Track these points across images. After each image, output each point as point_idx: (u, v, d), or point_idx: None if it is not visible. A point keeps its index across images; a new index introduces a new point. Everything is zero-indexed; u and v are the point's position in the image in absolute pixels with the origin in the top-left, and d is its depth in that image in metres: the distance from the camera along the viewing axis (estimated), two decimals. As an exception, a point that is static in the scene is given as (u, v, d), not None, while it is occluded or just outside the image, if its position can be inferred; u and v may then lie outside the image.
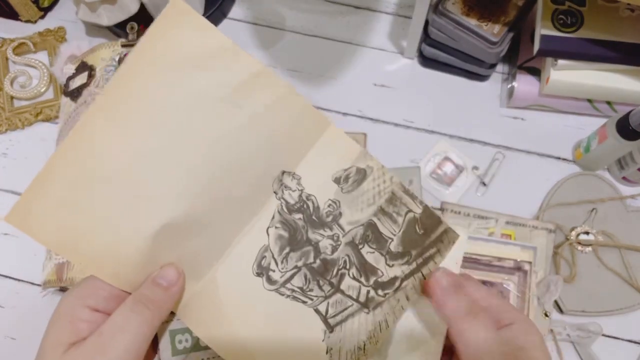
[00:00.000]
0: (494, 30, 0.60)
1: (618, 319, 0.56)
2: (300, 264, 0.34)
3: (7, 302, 0.60)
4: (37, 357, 0.28)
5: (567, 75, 0.59)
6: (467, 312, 0.31)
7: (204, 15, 0.70)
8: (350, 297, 0.34)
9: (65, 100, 0.61)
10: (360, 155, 0.36)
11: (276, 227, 0.34)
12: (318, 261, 0.34)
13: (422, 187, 0.62)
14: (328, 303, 0.34)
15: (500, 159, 0.64)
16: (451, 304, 0.32)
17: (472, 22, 0.60)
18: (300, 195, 0.35)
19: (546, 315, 0.53)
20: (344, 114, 0.67)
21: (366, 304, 0.34)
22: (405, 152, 0.65)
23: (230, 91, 0.33)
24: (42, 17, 0.74)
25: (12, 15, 0.72)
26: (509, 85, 0.65)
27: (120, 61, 0.56)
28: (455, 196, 0.62)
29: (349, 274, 0.35)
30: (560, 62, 0.58)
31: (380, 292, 0.35)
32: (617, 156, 0.59)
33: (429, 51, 0.66)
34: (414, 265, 0.35)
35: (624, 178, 0.61)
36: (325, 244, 0.35)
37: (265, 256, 0.34)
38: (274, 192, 0.35)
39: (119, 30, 0.69)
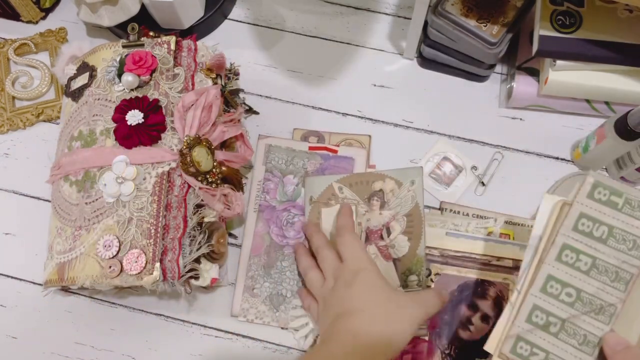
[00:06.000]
0: (492, 31, 0.60)
1: (616, 318, 0.56)
2: None
3: (8, 302, 0.60)
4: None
5: (565, 75, 0.60)
6: None
7: (204, 15, 0.70)
8: None
9: (66, 101, 0.61)
10: None
11: None
12: None
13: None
14: None
15: (499, 159, 0.64)
16: None
17: (471, 23, 0.60)
18: None
19: (545, 314, 0.54)
20: (344, 114, 0.67)
21: None
22: (405, 152, 0.65)
23: None
24: (44, 17, 0.75)
25: (14, 15, 0.73)
26: (508, 86, 0.66)
27: (120, 62, 0.56)
28: (454, 196, 0.63)
29: None
30: (559, 62, 0.59)
31: None
32: (615, 156, 0.60)
33: (428, 52, 0.67)
34: None
35: (622, 178, 0.61)
36: None
37: None
38: None
39: (120, 31, 0.69)
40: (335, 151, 0.63)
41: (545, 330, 0.36)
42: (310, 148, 0.63)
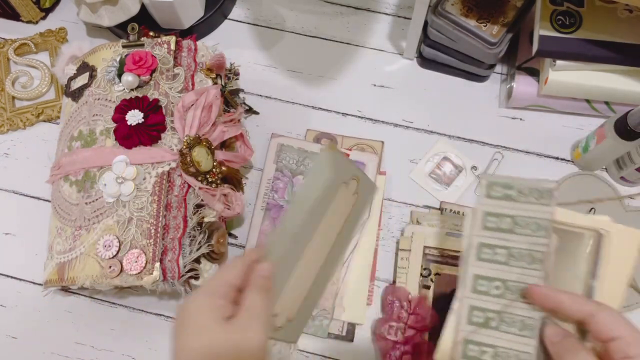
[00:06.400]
0: (492, 31, 0.60)
1: (616, 318, 0.56)
2: None
3: (8, 301, 0.60)
4: (189, 332, 0.34)
5: (565, 75, 0.60)
6: None
7: (204, 15, 0.70)
8: None
9: (66, 101, 0.61)
10: None
11: None
12: None
13: (422, 186, 0.63)
14: None
15: (499, 159, 0.64)
16: None
17: (471, 23, 0.60)
18: None
19: (545, 314, 0.54)
20: (344, 114, 0.67)
21: None
22: (405, 152, 0.65)
23: None
24: (44, 17, 0.75)
25: (14, 16, 0.73)
26: (508, 86, 0.66)
27: (120, 62, 0.56)
28: (454, 196, 0.63)
29: None
30: (559, 62, 0.59)
31: None
32: (615, 156, 0.59)
33: (428, 52, 0.67)
34: None
35: (622, 178, 0.61)
36: None
37: None
38: None
39: (120, 31, 0.69)
40: (347, 155, 0.63)
41: (486, 327, 0.38)
42: None
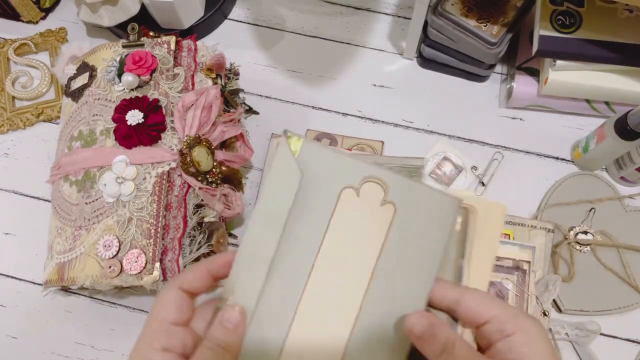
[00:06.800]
0: (492, 31, 0.60)
1: (616, 318, 0.56)
2: None
3: (8, 302, 0.60)
4: None
5: (565, 75, 0.60)
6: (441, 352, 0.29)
7: (204, 15, 0.70)
8: None
9: (66, 101, 0.61)
10: None
11: None
12: None
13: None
14: None
15: (499, 159, 0.64)
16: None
17: (471, 23, 0.60)
18: None
19: (545, 314, 0.54)
20: (344, 114, 0.67)
21: None
22: (405, 152, 0.65)
23: None
24: (44, 17, 0.75)
25: (14, 16, 0.73)
26: (508, 86, 0.66)
27: (120, 62, 0.56)
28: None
29: None
30: (559, 62, 0.59)
31: None
32: (615, 156, 0.59)
33: (428, 52, 0.67)
34: None
35: (622, 178, 0.61)
36: None
37: None
38: None
39: (120, 31, 0.69)
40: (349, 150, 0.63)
41: None
42: None
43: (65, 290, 0.59)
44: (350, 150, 0.63)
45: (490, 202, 0.32)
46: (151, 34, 0.60)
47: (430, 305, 0.31)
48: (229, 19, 0.74)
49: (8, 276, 0.61)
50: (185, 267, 0.51)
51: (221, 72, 0.61)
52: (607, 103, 0.63)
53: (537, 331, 0.29)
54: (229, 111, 0.61)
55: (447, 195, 0.32)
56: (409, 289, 0.31)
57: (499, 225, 0.33)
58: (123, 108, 0.54)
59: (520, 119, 0.67)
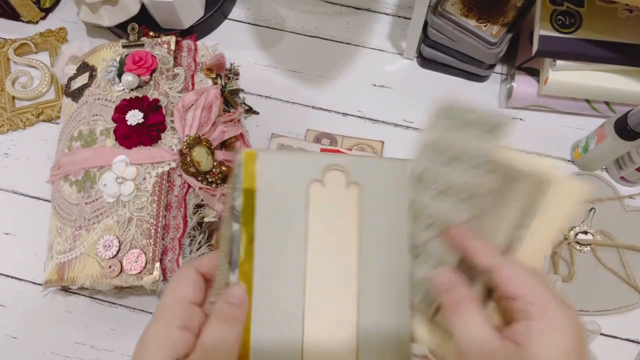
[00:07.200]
0: (492, 31, 0.60)
1: (616, 318, 0.56)
2: None
3: (8, 302, 0.60)
4: None
5: (565, 75, 0.60)
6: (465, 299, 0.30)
7: (204, 15, 0.70)
8: None
9: (66, 101, 0.61)
10: None
11: None
12: None
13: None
14: None
15: (499, 159, 0.64)
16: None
17: (471, 23, 0.60)
18: None
19: (545, 314, 0.54)
20: (344, 114, 0.67)
21: None
22: (405, 152, 0.65)
23: None
24: (44, 17, 0.75)
25: (14, 16, 0.73)
26: (508, 86, 0.66)
27: (120, 62, 0.56)
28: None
29: None
30: (559, 62, 0.59)
31: None
32: (615, 156, 0.59)
33: (428, 52, 0.67)
34: None
35: (622, 178, 0.61)
36: None
37: None
38: None
39: (120, 31, 0.69)
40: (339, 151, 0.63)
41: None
42: (322, 150, 0.63)
43: (65, 290, 0.59)
44: (351, 150, 0.64)
45: (569, 179, 0.31)
46: (151, 34, 0.60)
47: (474, 263, 0.31)
48: (229, 19, 0.74)
49: (8, 276, 0.61)
50: (185, 267, 0.51)
51: (221, 72, 0.61)
52: (607, 103, 0.63)
53: (563, 323, 0.27)
54: (229, 111, 0.61)
55: (396, 160, 0.36)
56: (392, 255, 0.33)
57: (569, 205, 0.31)
58: (123, 108, 0.54)
59: (521, 118, 0.67)
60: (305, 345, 0.31)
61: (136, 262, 0.50)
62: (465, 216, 0.33)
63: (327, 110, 0.68)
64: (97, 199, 0.52)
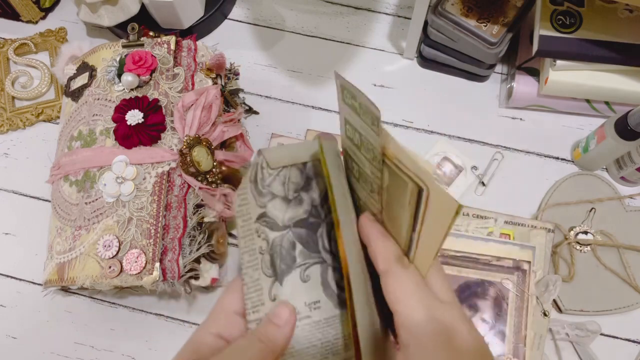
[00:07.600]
0: (493, 31, 0.60)
1: (617, 318, 0.56)
2: None
3: (8, 302, 0.60)
4: None
5: (565, 75, 0.60)
6: (397, 259, 0.30)
7: (204, 15, 0.70)
8: None
9: (66, 101, 0.61)
10: None
11: None
12: None
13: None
14: None
15: (499, 159, 0.64)
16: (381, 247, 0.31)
17: (471, 23, 0.60)
18: None
19: (545, 314, 0.54)
20: (344, 114, 0.67)
21: None
22: (405, 152, 0.65)
23: None
24: (43, 17, 0.75)
25: (13, 15, 0.73)
26: (508, 86, 0.66)
27: (120, 61, 0.56)
28: (454, 196, 0.62)
29: None
30: (559, 62, 0.59)
31: None
32: (615, 156, 0.59)
33: (428, 52, 0.67)
34: None
35: (622, 178, 0.61)
36: None
37: None
38: None
39: (120, 30, 0.69)
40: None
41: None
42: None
43: (65, 290, 0.59)
44: None
45: (444, 192, 0.29)
46: (151, 34, 0.60)
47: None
48: (229, 19, 0.74)
49: (8, 276, 0.61)
50: (185, 267, 0.51)
51: (221, 72, 0.61)
52: (607, 103, 0.63)
53: (434, 346, 0.27)
54: (229, 111, 0.61)
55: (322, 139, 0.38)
56: (352, 217, 0.34)
57: (448, 219, 0.29)
58: (123, 108, 0.54)
59: (521, 118, 0.67)
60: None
61: (136, 262, 0.50)
62: (378, 206, 0.33)
63: (327, 110, 0.68)
64: (97, 199, 0.52)
